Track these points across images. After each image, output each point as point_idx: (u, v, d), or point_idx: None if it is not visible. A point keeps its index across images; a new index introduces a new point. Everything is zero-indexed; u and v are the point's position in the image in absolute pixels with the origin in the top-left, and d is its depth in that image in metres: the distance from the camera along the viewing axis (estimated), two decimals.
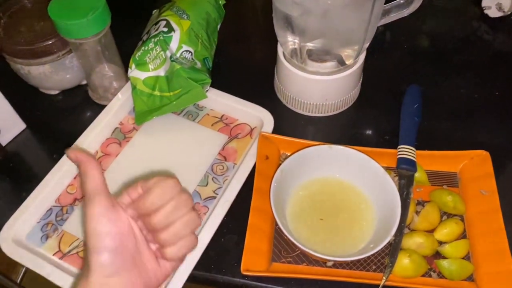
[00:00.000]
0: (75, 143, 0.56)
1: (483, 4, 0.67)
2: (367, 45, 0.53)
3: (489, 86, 0.62)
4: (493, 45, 0.68)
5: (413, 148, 0.52)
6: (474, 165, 0.52)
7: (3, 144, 0.58)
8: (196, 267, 0.48)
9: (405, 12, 0.54)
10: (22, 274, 0.75)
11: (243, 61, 0.67)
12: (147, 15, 0.67)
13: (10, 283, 0.75)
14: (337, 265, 0.47)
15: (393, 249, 0.47)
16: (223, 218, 0.51)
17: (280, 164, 0.54)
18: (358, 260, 0.47)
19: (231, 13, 0.68)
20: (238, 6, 0.73)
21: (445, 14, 0.71)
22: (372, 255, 0.47)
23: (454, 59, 0.66)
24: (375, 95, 0.62)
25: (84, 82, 0.63)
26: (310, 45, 0.52)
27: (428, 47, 0.68)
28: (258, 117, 0.58)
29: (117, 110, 0.59)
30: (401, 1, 0.54)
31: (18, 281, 0.74)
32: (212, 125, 0.59)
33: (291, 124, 0.60)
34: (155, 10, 0.66)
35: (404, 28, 0.67)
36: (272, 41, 0.60)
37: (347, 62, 0.54)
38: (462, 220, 0.50)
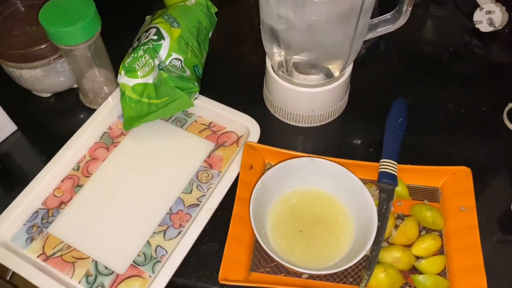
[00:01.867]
0: (64, 146, 0.57)
1: (475, 18, 0.67)
2: (353, 58, 0.54)
3: (476, 102, 0.63)
4: (483, 59, 0.68)
5: (395, 162, 0.53)
6: (456, 181, 0.53)
7: None
8: (176, 274, 0.49)
9: (391, 28, 0.54)
10: (11, 271, 0.76)
11: (234, 69, 0.68)
12: (140, 20, 0.67)
13: (1, 281, 0.76)
14: (315, 277, 0.47)
15: (370, 262, 0.47)
16: (205, 226, 0.51)
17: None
18: (335, 273, 0.48)
19: (223, 21, 0.69)
20: (231, 14, 0.74)
21: (437, 26, 0.72)
22: (350, 267, 0.48)
23: (444, 72, 0.67)
24: (362, 107, 0.62)
25: (76, 85, 0.64)
26: (296, 58, 0.52)
27: (419, 59, 0.68)
28: (245, 125, 0.59)
29: (106, 114, 0.60)
30: (388, 16, 0.54)
31: (8, 278, 0.76)
32: (199, 132, 0.60)
33: (278, 133, 0.61)
34: (148, 16, 0.66)
35: (395, 39, 0.68)
36: (261, 49, 0.61)
37: (333, 75, 0.55)
38: (441, 235, 0.51)
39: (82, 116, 0.63)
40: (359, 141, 0.60)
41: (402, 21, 0.53)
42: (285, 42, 0.50)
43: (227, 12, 0.70)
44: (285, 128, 0.61)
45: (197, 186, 0.55)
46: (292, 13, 0.47)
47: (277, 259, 0.44)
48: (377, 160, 0.55)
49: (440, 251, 0.50)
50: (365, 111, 0.62)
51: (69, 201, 0.55)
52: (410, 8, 0.52)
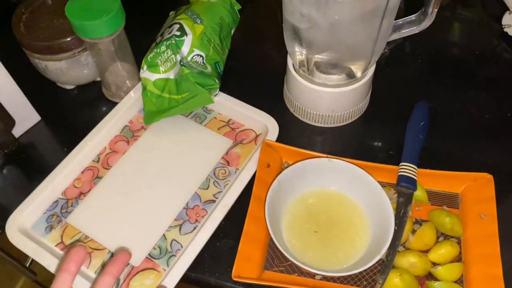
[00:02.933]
0: (85, 138, 0.58)
1: (503, 22, 0.66)
2: (375, 59, 0.53)
3: (502, 107, 0.61)
4: (511, 64, 0.66)
5: (415, 166, 0.52)
6: (477, 187, 0.52)
7: (17, 135, 0.60)
8: (190, 268, 0.49)
9: (416, 30, 0.53)
10: (31, 259, 0.77)
11: (255, 66, 0.68)
12: (165, 15, 0.68)
13: (21, 267, 0.78)
14: (328, 278, 0.47)
15: (385, 267, 0.47)
16: (220, 222, 0.52)
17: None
18: (349, 275, 0.47)
19: (246, 18, 0.69)
20: (253, 12, 0.74)
21: (464, 29, 0.70)
22: (364, 271, 0.47)
23: (469, 76, 0.65)
24: (384, 109, 0.62)
25: (99, 78, 0.65)
26: (317, 57, 0.52)
27: (443, 61, 0.67)
28: (264, 124, 0.59)
29: (128, 108, 0.60)
30: (413, 18, 0.53)
31: (27, 265, 0.77)
32: (218, 128, 0.60)
33: (297, 133, 0.61)
34: (172, 12, 0.67)
35: (420, 41, 0.67)
36: (282, 48, 0.61)
37: (355, 76, 0.54)
38: (459, 242, 0.50)
39: (104, 108, 0.64)
40: (379, 143, 0.59)
41: (427, 23, 0.52)
42: (307, 40, 0.50)
43: (249, 10, 0.70)
44: (304, 128, 0.61)
45: (214, 182, 0.56)
46: (315, 11, 0.46)
47: (291, 259, 0.44)
48: (397, 163, 0.54)
49: (458, 259, 0.49)
50: (386, 113, 0.61)
51: (88, 192, 0.55)
52: (436, 10, 0.51)
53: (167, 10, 0.68)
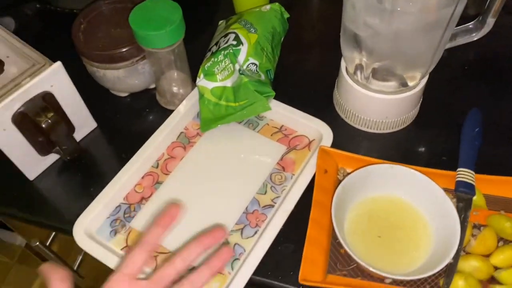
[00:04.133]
0: (144, 145, 0.59)
1: None
2: (432, 67, 0.54)
3: None
4: None
5: (473, 172, 0.53)
6: None
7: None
8: (255, 272, 0.50)
9: (474, 37, 0.54)
10: (78, 262, 0.79)
11: (303, 73, 0.69)
12: (207, 26, 0.69)
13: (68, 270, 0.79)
14: (398, 282, 0.48)
15: (449, 270, 0.48)
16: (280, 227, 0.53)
17: (338, 179, 0.56)
18: (413, 279, 0.48)
19: (293, 24, 0.70)
20: (300, 18, 0.75)
21: (508, 35, 0.71)
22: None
23: None
24: (435, 115, 0.62)
25: (151, 86, 0.67)
26: (376, 64, 0.53)
27: (494, 69, 0.67)
28: (317, 130, 0.60)
29: (183, 115, 0.62)
30: (470, 26, 0.54)
31: (75, 268, 0.79)
32: (271, 135, 0.61)
33: (349, 138, 0.62)
34: (221, 21, 0.68)
35: (468, 47, 0.67)
36: (331, 55, 0.62)
37: (410, 84, 0.55)
38: None
39: (157, 116, 0.65)
40: (432, 149, 0.60)
41: (485, 31, 0.53)
42: (368, 48, 0.51)
43: (296, 17, 0.71)
44: (355, 133, 0.62)
45: (271, 188, 0.57)
46: (378, 21, 0.48)
47: (362, 263, 0.45)
48: (450, 169, 0.55)
49: None
50: (437, 120, 0.62)
51: (149, 197, 0.57)
52: (494, 19, 0.52)
53: (214, 19, 0.70)
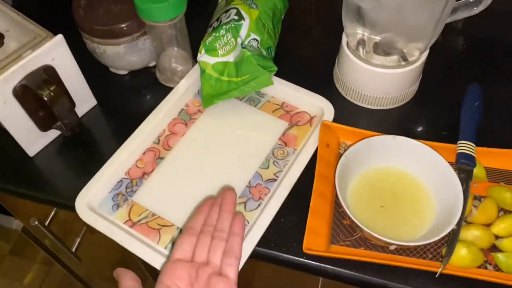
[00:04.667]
0: (145, 121, 0.59)
1: None
2: (433, 41, 0.54)
3: None
4: None
5: (473, 144, 0.54)
6: None
7: None
8: (258, 244, 0.50)
9: (475, 10, 0.55)
10: (77, 244, 0.79)
11: (303, 51, 0.69)
12: (207, 3, 0.69)
13: (67, 251, 0.79)
14: (400, 251, 0.48)
15: (451, 239, 0.48)
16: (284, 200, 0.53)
17: (339, 153, 0.56)
18: (415, 248, 0.49)
19: (293, 3, 0.71)
20: None
21: (509, 9, 0.71)
22: (429, 244, 0.49)
23: None
24: (435, 91, 0.63)
25: (151, 64, 0.67)
26: (377, 38, 0.53)
27: (494, 44, 0.68)
28: (319, 106, 0.60)
29: (184, 92, 0.62)
30: (470, 0, 0.55)
31: (74, 250, 0.79)
32: (273, 111, 0.62)
33: (349, 115, 0.62)
34: None
35: (467, 24, 0.68)
36: (331, 32, 0.62)
37: (410, 59, 0.56)
38: None
39: (157, 93, 0.65)
40: (432, 124, 0.60)
41: (484, 5, 0.54)
42: (371, 21, 0.51)
43: None
44: (356, 110, 0.63)
45: (273, 162, 0.57)
46: None
47: (368, 230, 0.45)
48: (452, 143, 0.55)
49: None
50: (437, 95, 0.63)
51: (151, 172, 0.57)
52: None
53: None
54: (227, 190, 0.50)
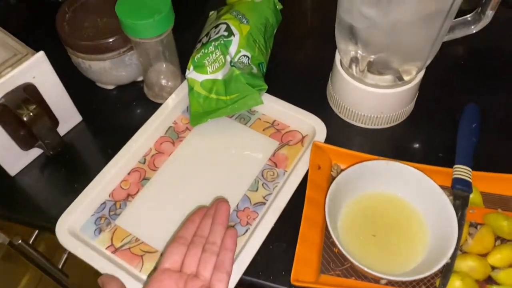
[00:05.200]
0: (130, 140, 0.57)
1: None
2: (430, 61, 0.52)
3: None
4: None
5: (469, 169, 0.52)
6: None
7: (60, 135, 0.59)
8: (245, 272, 0.48)
9: (473, 30, 0.53)
10: (64, 260, 0.77)
11: (296, 66, 0.67)
12: (203, 14, 0.67)
13: (53, 269, 0.77)
14: (393, 283, 0.46)
15: (446, 271, 0.46)
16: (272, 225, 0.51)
17: (331, 175, 0.54)
18: (409, 280, 0.47)
19: (286, 16, 0.68)
20: (294, 11, 0.73)
21: (507, 28, 0.69)
22: None
23: None
24: (431, 111, 0.61)
25: (139, 79, 0.65)
26: (371, 57, 0.51)
27: (492, 63, 0.66)
28: (311, 125, 0.58)
29: (172, 109, 0.60)
30: (468, 18, 0.53)
31: (60, 266, 0.77)
32: (263, 130, 0.60)
33: (343, 134, 0.60)
34: (212, 12, 0.66)
35: (465, 41, 0.66)
36: (325, 48, 0.60)
37: (406, 78, 0.54)
38: None
39: (145, 109, 0.63)
40: (428, 145, 0.58)
41: (483, 24, 0.52)
42: (364, 40, 0.49)
43: (288, 9, 0.69)
44: (349, 129, 0.61)
45: (262, 184, 0.55)
46: (375, 11, 0.46)
47: (357, 264, 0.43)
48: (447, 166, 0.53)
49: None
50: (433, 115, 0.61)
51: (136, 193, 0.55)
52: (493, 12, 0.50)
53: (205, 10, 0.68)
54: (221, 201, 0.48)
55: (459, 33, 0.54)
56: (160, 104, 0.60)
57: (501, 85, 0.64)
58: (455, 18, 0.53)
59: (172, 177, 0.56)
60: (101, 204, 0.54)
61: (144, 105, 0.64)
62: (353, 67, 0.54)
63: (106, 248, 0.51)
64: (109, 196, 0.55)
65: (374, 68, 0.53)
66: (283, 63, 0.67)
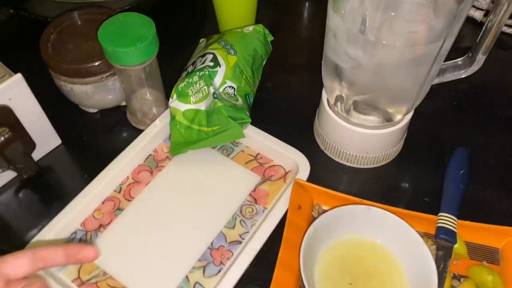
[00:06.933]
0: (107, 167, 0.55)
1: None
2: (418, 103, 0.51)
3: None
4: None
5: (455, 218, 0.50)
6: None
7: (36, 158, 0.58)
8: None
9: (463, 74, 0.51)
10: None
11: (285, 98, 0.66)
12: (191, 42, 0.66)
13: None
14: None
15: None
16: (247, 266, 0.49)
17: (312, 216, 0.52)
18: None
19: (276, 47, 0.67)
20: (285, 41, 0.72)
21: (503, 72, 0.68)
22: None
23: (509, 121, 0.63)
24: (419, 151, 0.59)
25: (124, 103, 0.63)
26: (357, 97, 0.50)
27: (482, 106, 0.64)
28: (294, 161, 0.56)
29: (153, 136, 0.58)
30: (459, 62, 0.51)
31: None
32: (246, 163, 0.58)
33: (327, 171, 0.58)
34: (202, 39, 0.65)
35: (455, 83, 0.64)
36: (315, 82, 0.59)
37: (393, 119, 0.52)
38: None
39: (127, 135, 0.61)
40: (414, 189, 0.56)
41: (474, 68, 0.50)
42: (349, 80, 0.48)
43: (278, 41, 0.68)
44: (334, 167, 0.59)
45: (240, 222, 0.53)
46: (361, 53, 0.44)
47: None
48: (433, 211, 0.51)
49: None
50: (421, 157, 0.59)
51: (108, 224, 0.53)
52: (485, 57, 0.49)
53: (199, 35, 0.67)
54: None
55: (449, 77, 0.52)
56: (143, 131, 0.59)
57: (492, 128, 0.62)
58: (445, 61, 0.52)
59: (146, 209, 0.54)
60: (72, 234, 0.52)
61: (127, 130, 0.62)
62: (338, 105, 0.52)
63: (72, 281, 0.49)
64: (81, 225, 0.53)
65: (360, 108, 0.51)
66: (272, 94, 0.66)
